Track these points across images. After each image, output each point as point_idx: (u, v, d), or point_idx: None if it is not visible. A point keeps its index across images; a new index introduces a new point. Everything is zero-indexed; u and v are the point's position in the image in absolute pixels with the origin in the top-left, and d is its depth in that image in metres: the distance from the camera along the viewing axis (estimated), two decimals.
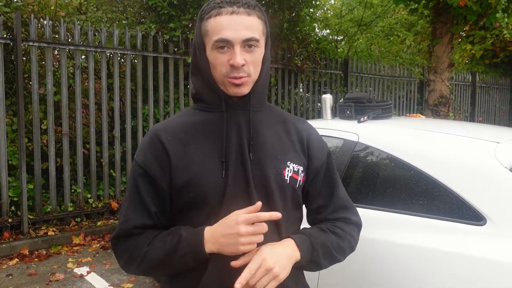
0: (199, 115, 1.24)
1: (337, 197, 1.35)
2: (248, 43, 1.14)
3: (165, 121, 1.27)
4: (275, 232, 1.20)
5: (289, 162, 1.24)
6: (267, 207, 1.17)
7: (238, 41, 1.12)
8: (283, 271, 1.11)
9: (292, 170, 1.24)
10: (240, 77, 1.14)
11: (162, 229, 1.21)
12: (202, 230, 1.13)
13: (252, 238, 1.08)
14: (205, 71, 1.19)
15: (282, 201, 1.22)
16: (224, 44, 1.13)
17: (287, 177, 1.22)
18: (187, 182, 1.16)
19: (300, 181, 1.26)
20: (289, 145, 1.27)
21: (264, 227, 1.09)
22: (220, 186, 1.16)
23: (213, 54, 1.15)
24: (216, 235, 1.10)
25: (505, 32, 5.14)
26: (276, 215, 1.10)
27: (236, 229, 1.07)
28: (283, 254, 1.13)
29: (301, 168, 1.26)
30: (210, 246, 1.11)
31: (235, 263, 1.10)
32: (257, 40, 1.15)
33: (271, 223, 1.17)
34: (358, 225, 1.39)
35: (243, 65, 1.13)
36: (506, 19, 5.10)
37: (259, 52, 1.18)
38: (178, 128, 1.22)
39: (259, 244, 1.12)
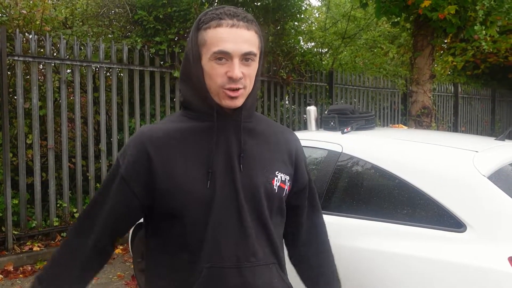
0: (187, 122, 1.24)
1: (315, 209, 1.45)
2: (246, 57, 1.15)
3: (152, 125, 1.26)
4: (264, 236, 1.24)
5: (278, 172, 1.27)
6: (255, 216, 1.21)
7: (238, 54, 1.13)
8: None
9: (280, 180, 1.27)
10: (237, 90, 1.15)
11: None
12: None
13: None
14: (197, 80, 1.19)
15: (269, 209, 1.25)
16: (223, 56, 1.13)
17: (276, 186, 1.25)
18: (169, 189, 1.17)
19: (286, 190, 1.30)
20: (277, 154, 1.30)
21: None
22: (203, 195, 1.17)
23: (210, 64, 1.15)
24: None
25: (483, 44, 5.29)
26: None
27: None
28: None
29: (287, 178, 1.30)
30: None
31: None
32: (254, 55, 1.17)
33: (261, 229, 1.22)
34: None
35: (240, 78, 1.14)
36: (484, 32, 5.25)
37: (255, 66, 1.20)
38: (165, 134, 1.21)
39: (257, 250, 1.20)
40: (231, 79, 1.14)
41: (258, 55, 1.20)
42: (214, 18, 1.15)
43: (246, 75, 1.16)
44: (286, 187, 1.29)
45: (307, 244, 1.42)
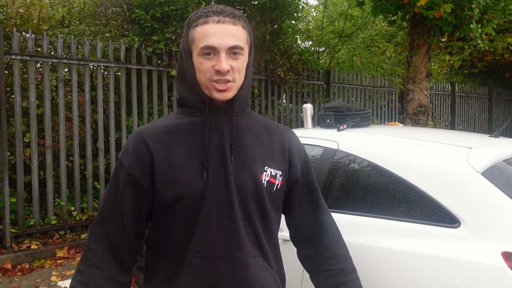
0: (183, 119, 1.28)
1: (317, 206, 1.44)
2: (233, 51, 1.19)
3: (149, 123, 1.32)
4: (250, 229, 1.26)
5: (267, 167, 1.29)
6: (242, 209, 1.24)
7: (224, 48, 1.18)
8: None
9: (270, 175, 1.29)
10: (225, 82, 1.19)
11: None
12: None
13: None
14: (190, 76, 1.24)
15: (257, 202, 1.27)
16: (210, 51, 1.18)
17: (264, 181, 1.27)
18: (168, 182, 1.21)
19: (278, 184, 1.31)
20: (269, 150, 1.32)
21: None
22: (200, 187, 1.21)
23: (199, 59, 1.20)
24: None
25: (479, 42, 5.30)
26: None
27: None
28: None
29: (279, 173, 1.31)
30: None
31: None
32: (241, 48, 1.21)
33: (247, 221, 1.24)
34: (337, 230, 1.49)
35: (228, 71, 1.18)
36: (479, 30, 5.27)
37: (243, 59, 1.23)
38: (162, 130, 1.26)
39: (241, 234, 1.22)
40: (219, 72, 1.18)
41: (246, 49, 1.25)
42: (202, 16, 1.21)
43: (235, 68, 1.20)
44: (278, 182, 1.30)
45: (310, 246, 1.42)
